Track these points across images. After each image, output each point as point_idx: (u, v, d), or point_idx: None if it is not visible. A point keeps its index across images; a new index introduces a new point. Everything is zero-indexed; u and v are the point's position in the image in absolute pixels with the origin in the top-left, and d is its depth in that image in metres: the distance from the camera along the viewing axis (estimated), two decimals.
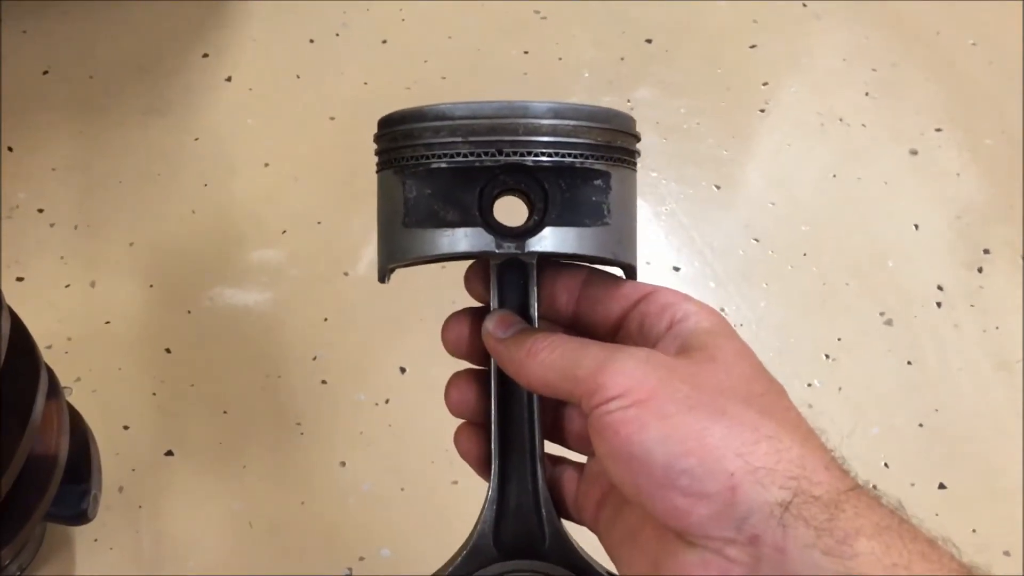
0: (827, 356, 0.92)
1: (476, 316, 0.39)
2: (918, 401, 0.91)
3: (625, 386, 0.31)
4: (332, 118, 1.04)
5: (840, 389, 0.91)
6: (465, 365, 0.41)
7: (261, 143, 1.01)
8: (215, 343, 0.89)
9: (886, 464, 0.87)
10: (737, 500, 0.30)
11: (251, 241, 0.95)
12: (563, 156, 0.35)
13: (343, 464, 0.84)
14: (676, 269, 0.97)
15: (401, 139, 0.36)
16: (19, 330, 0.62)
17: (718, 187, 1.03)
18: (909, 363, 0.93)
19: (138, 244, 0.94)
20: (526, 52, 1.10)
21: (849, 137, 1.07)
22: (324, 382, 0.87)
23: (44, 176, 0.97)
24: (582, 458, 0.40)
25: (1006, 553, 0.82)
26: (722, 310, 0.94)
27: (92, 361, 0.87)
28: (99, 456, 0.73)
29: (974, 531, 0.84)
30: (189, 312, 0.91)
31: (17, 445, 0.60)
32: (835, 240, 1.00)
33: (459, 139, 0.35)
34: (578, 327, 0.38)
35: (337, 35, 1.10)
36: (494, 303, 0.38)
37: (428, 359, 0.89)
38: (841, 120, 1.08)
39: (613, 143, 0.36)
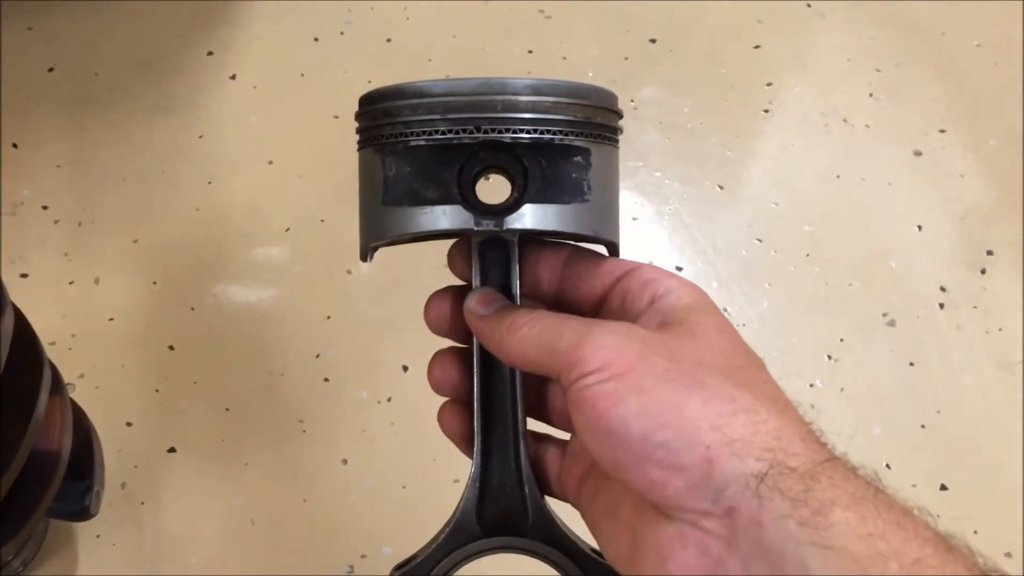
0: (829, 356, 0.92)
1: (458, 294, 0.39)
2: (920, 402, 0.91)
3: (603, 360, 0.31)
4: (336, 116, 1.04)
5: (842, 390, 0.91)
6: (449, 343, 0.41)
7: (265, 141, 1.02)
8: (218, 340, 0.89)
9: (888, 465, 0.87)
10: (713, 472, 0.30)
11: (254, 238, 0.95)
12: (542, 133, 0.35)
13: (345, 462, 0.84)
14: (679, 269, 0.97)
15: (380, 117, 0.36)
16: (22, 327, 0.63)
17: (721, 187, 1.03)
18: (911, 364, 0.92)
19: (142, 241, 0.94)
20: (530, 51, 1.10)
21: (853, 137, 1.07)
22: (327, 380, 0.88)
23: (48, 173, 0.98)
24: (566, 435, 0.40)
25: (1007, 555, 0.82)
26: (725, 310, 0.94)
27: (95, 358, 0.87)
28: (102, 452, 0.74)
29: (976, 532, 0.83)
30: (192, 309, 0.91)
31: (20, 441, 0.60)
32: (838, 240, 1.00)
33: (437, 116, 0.35)
34: (561, 304, 0.39)
35: (342, 33, 1.10)
36: (476, 281, 0.38)
37: (431, 357, 0.89)
38: (845, 120, 1.08)
39: (593, 119, 0.36)
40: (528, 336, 0.34)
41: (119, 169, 0.99)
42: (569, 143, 0.35)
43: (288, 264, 0.94)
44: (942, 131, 1.07)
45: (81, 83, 1.04)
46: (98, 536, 0.79)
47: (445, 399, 0.41)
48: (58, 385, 0.66)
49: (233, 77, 1.06)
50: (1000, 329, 0.94)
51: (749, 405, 0.31)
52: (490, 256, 0.38)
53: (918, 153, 1.06)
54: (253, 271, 0.93)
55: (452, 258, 0.40)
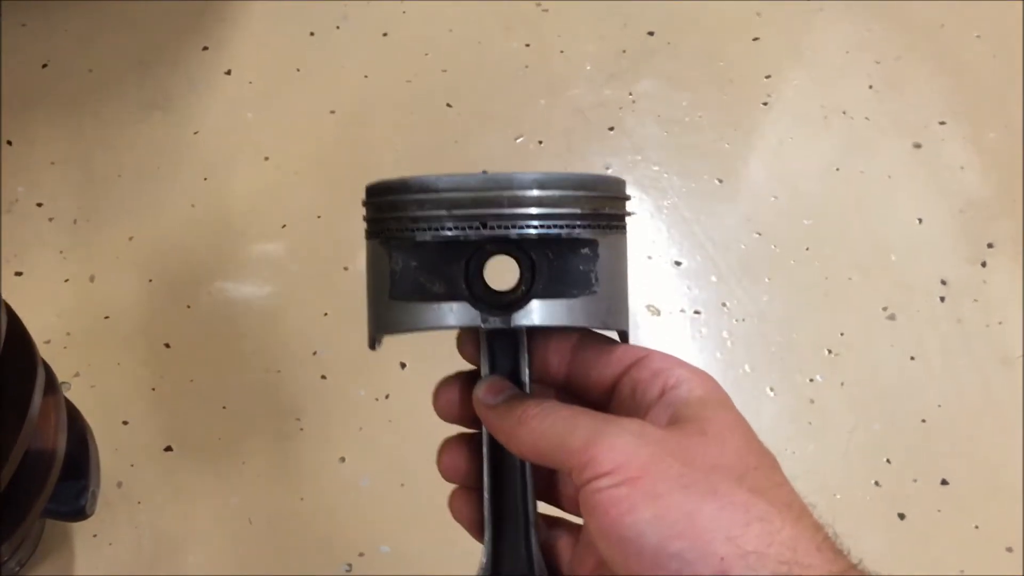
0: (829, 351, 0.92)
1: (467, 380, 0.39)
2: (920, 396, 0.90)
3: (616, 462, 0.31)
4: (332, 112, 1.03)
5: (842, 384, 0.90)
6: (457, 429, 0.40)
7: (261, 137, 1.01)
8: (214, 338, 0.89)
9: (888, 460, 0.86)
10: None
11: (251, 235, 0.95)
12: (548, 228, 0.34)
13: (343, 460, 0.83)
14: (677, 263, 0.96)
15: (386, 210, 0.36)
16: (15, 326, 0.62)
17: (720, 181, 1.02)
18: (912, 358, 0.92)
19: (137, 238, 0.94)
20: (527, 45, 1.09)
21: (852, 130, 1.06)
22: (324, 377, 0.87)
23: (43, 170, 0.97)
24: (579, 519, 0.39)
25: (1008, 549, 0.82)
26: (723, 305, 0.94)
27: (91, 356, 0.87)
28: (98, 452, 0.73)
29: (976, 527, 0.83)
30: (188, 307, 0.90)
31: (14, 441, 0.59)
32: (838, 234, 0.99)
33: (443, 212, 0.34)
34: (571, 390, 0.38)
35: (337, 28, 1.09)
36: (485, 369, 0.38)
37: (428, 354, 0.89)
38: (844, 113, 1.07)
39: (600, 211, 0.35)
40: (539, 430, 0.34)
41: (114, 166, 0.98)
42: (576, 236, 0.34)
43: (285, 261, 0.94)
44: (942, 123, 1.07)
45: (75, 79, 1.04)
46: (95, 535, 0.79)
47: (455, 486, 0.40)
48: (52, 384, 0.66)
49: (228, 73, 1.05)
50: (1000, 323, 0.94)
51: (763, 513, 0.31)
52: (499, 345, 0.37)
53: (918, 146, 1.05)
54: (249, 268, 0.93)
55: (461, 342, 0.39)
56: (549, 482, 0.40)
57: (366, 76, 1.06)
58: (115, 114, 1.01)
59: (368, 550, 0.80)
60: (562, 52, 1.09)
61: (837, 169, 1.03)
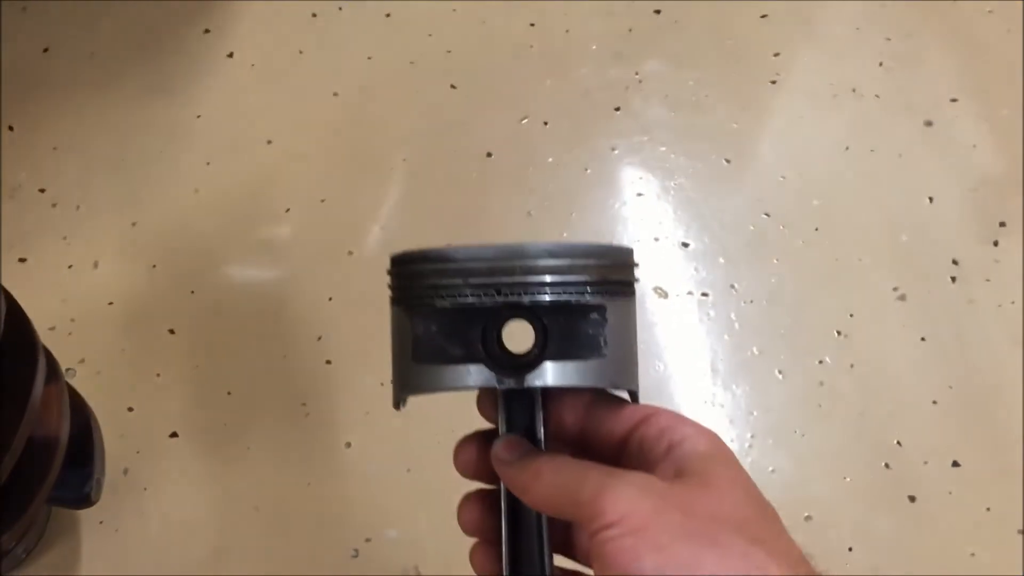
0: (839, 333, 0.91)
1: (484, 439, 0.41)
2: (932, 378, 0.89)
3: (622, 512, 0.33)
4: (335, 94, 1.02)
5: (852, 366, 0.89)
6: (477, 485, 0.42)
7: (264, 120, 1.00)
8: (219, 323, 0.88)
9: (899, 442, 0.86)
10: None
11: (254, 220, 0.94)
12: (559, 295, 0.37)
13: (348, 445, 0.83)
14: (685, 245, 0.95)
15: (409, 279, 0.39)
16: (16, 313, 0.62)
17: (728, 161, 1.01)
18: (923, 339, 0.91)
19: (141, 224, 0.93)
20: (532, 24, 1.08)
21: (862, 108, 1.05)
22: (329, 362, 0.87)
23: (45, 156, 0.97)
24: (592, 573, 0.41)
25: (1020, 531, 0.81)
26: (731, 287, 0.93)
27: (96, 343, 0.86)
28: (102, 439, 0.73)
29: (988, 509, 0.83)
30: (192, 292, 0.90)
31: (16, 429, 0.59)
32: (847, 214, 0.98)
33: (461, 281, 0.37)
34: (584, 445, 0.40)
35: (340, 9, 1.08)
36: (502, 427, 0.40)
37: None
38: (854, 91, 1.06)
39: (608, 278, 0.38)
40: (552, 483, 0.36)
41: (117, 151, 0.97)
42: (586, 302, 0.37)
43: (289, 246, 0.93)
44: (954, 100, 1.05)
45: (77, 64, 1.03)
46: (101, 522, 0.78)
47: (475, 540, 0.42)
48: (54, 372, 0.65)
49: (231, 55, 1.04)
50: (1013, 303, 0.92)
51: (762, 563, 0.32)
52: (515, 404, 0.40)
53: (929, 124, 1.04)
54: (253, 253, 0.92)
55: (480, 401, 0.42)
56: (565, 536, 0.41)
57: (369, 58, 1.05)
58: (117, 99, 1.01)
59: (375, 535, 0.79)
60: (567, 32, 1.08)
61: (847, 148, 1.02)
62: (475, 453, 0.41)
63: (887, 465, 0.85)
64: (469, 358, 0.37)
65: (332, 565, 0.78)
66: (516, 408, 0.40)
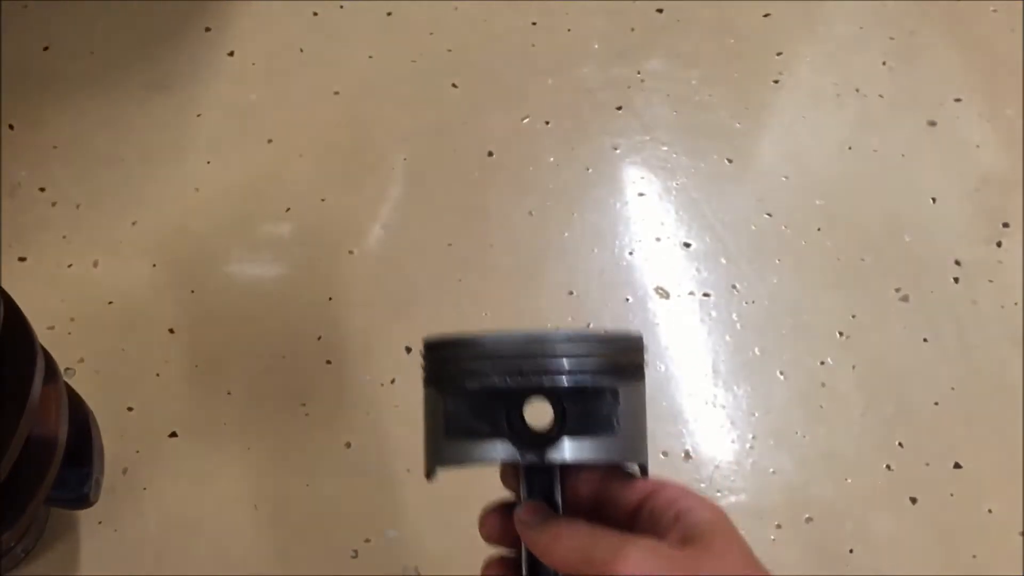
0: (841, 333, 0.90)
1: (506, 508, 0.45)
2: (934, 379, 0.89)
3: (633, 572, 0.37)
4: (336, 92, 1.02)
5: (854, 367, 0.89)
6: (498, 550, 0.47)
7: (264, 119, 1.00)
8: (219, 323, 0.88)
9: (900, 444, 0.85)
10: None
11: (255, 219, 0.94)
12: (576, 379, 0.41)
13: (348, 445, 0.83)
14: (687, 245, 0.95)
15: (442, 363, 0.43)
16: (14, 313, 0.61)
17: (730, 160, 1.01)
18: (925, 340, 0.91)
19: (141, 223, 0.93)
20: (534, 23, 1.08)
21: (865, 108, 1.04)
22: (329, 362, 0.86)
23: (45, 154, 0.96)
24: None
25: (1022, 534, 0.81)
26: (733, 287, 0.92)
27: (95, 342, 0.86)
28: (101, 439, 0.73)
29: (990, 511, 0.82)
30: (192, 292, 0.90)
31: (15, 429, 0.59)
32: (850, 214, 0.98)
33: (489, 365, 0.41)
34: (598, 514, 0.44)
35: (341, 7, 1.08)
36: (524, 494, 0.44)
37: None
38: (857, 90, 1.05)
39: (620, 363, 0.42)
40: (569, 545, 0.40)
41: (117, 149, 0.97)
42: (600, 385, 0.41)
43: (289, 245, 0.93)
44: (957, 100, 1.05)
45: (77, 62, 1.03)
46: (100, 522, 0.78)
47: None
48: (52, 372, 0.65)
49: (231, 54, 1.04)
50: (1016, 303, 0.92)
51: None
52: (536, 476, 0.44)
53: (933, 123, 1.03)
54: (253, 252, 0.92)
55: (503, 474, 0.46)
56: None
57: (370, 56, 1.05)
58: (117, 97, 1.01)
59: (374, 536, 0.79)
60: (569, 30, 1.08)
61: (850, 148, 1.02)
62: (498, 521, 0.45)
63: (889, 467, 0.84)
64: (495, 434, 0.41)
65: (332, 565, 0.78)
66: (537, 479, 0.44)
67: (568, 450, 0.41)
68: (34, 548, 0.76)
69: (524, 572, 0.44)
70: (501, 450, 0.41)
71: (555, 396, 0.41)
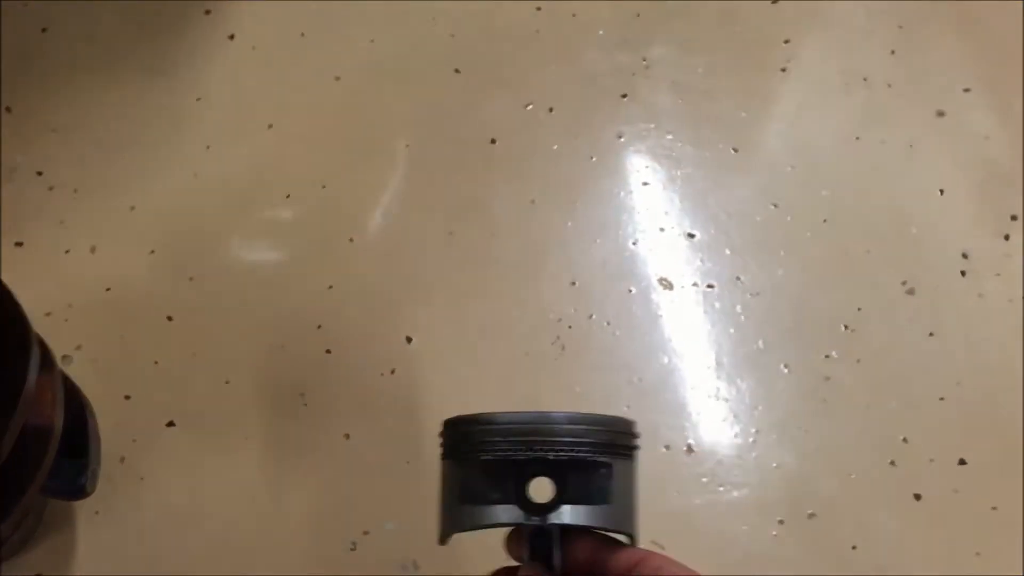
0: (845, 327, 0.90)
1: (511, 572, 0.51)
2: (939, 373, 0.88)
3: None
4: (337, 78, 1.01)
5: (858, 361, 0.88)
6: None
7: (265, 104, 0.99)
8: (217, 311, 0.87)
9: (904, 439, 0.84)
10: None
11: (254, 206, 0.93)
12: (575, 452, 0.47)
13: (347, 436, 0.82)
14: (691, 236, 0.94)
15: (459, 437, 0.49)
16: (7, 299, 0.60)
17: (735, 150, 0.99)
18: (931, 334, 0.90)
19: (139, 208, 0.92)
20: (538, 8, 1.06)
21: (873, 98, 1.03)
22: (328, 351, 0.86)
23: (43, 138, 0.95)
24: None
25: None
26: (737, 279, 0.91)
27: (93, 329, 0.85)
28: (97, 429, 0.72)
29: (994, 508, 0.82)
30: (191, 279, 0.89)
31: (10, 419, 0.58)
32: (856, 206, 0.96)
33: (500, 439, 0.47)
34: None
35: None
36: (526, 556, 0.50)
37: (435, 329, 0.87)
38: (865, 80, 1.04)
39: (615, 442, 0.48)
40: None
41: (115, 134, 0.96)
42: (596, 459, 0.47)
43: (289, 232, 0.92)
44: (966, 90, 1.03)
45: (76, 45, 1.01)
46: (97, 512, 0.78)
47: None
48: (48, 361, 0.64)
49: (231, 37, 1.03)
50: None
51: None
52: (538, 540, 0.49)
53: (941, 114, 1.02)
54: (253, 240, 0.91)
55: (509, 541, 0.51)
56: None
57: (372, 41, 1.03)
58: (116, 80, 0.99)
59: (373, 528, 0.78)
60: (574, 15, 1.06)
61: (857, 138, 1.00)
62: None
63: (893, 462, 0.84)
64: (504, 501, 0.47)
65: (329, 558, 0.77)
66: (538, 543, 0.50)
67: (566, 515, 0.48)
68: (31, 538, 0.76)
69: None
70: (509, 513, 0.48)
71: (557, 467, 0.47)
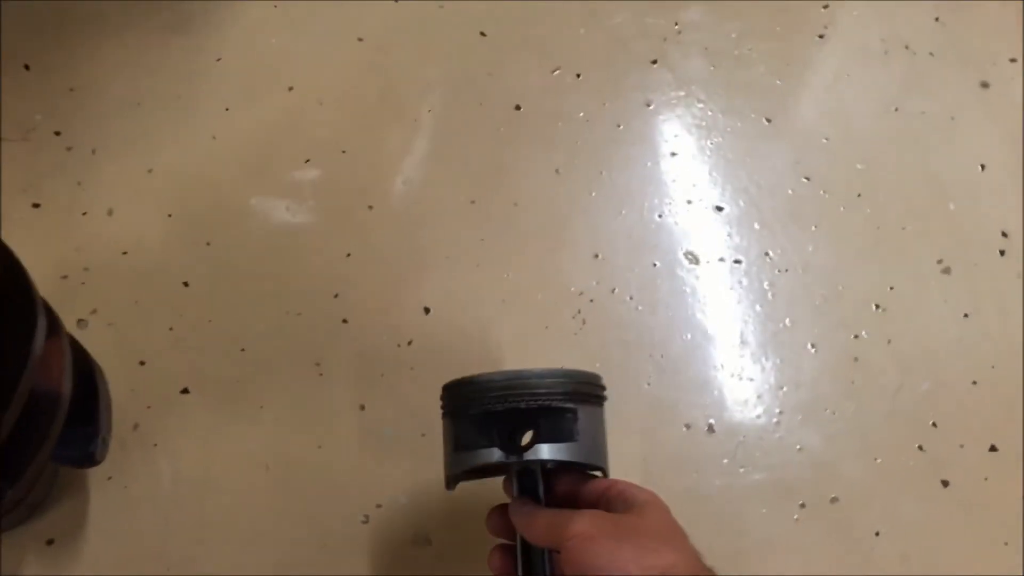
0: (877, 306, 0.87)
1: (503, 510, 0.62)
2: (973, 356, 0.85)
3: (578, 531, 0.52)
4: (360, 39, 0.98)
5: (889, 341, 0.85)
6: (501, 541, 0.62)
7: (285, 65, 0.97)
8: (234, 277, 0.86)
9: (934, 424, 0.82)
10: None
11: (273, 170, 0.91)
12: (543, 401, 0.57)
13: (363, 407, 0.81)
14: (719, 209, 0.91)
15: (452, 398, 0.61)
16: (14, 266, 0.59)
17: (769, 120, 0.96)
18: (966, 315, 0.87)
19: (156, 171, 0.90)
20: None
21: (914, 66, 0.99)
22: (345, 321, 0.84)
23: (62, 97, 0.94)
24: None
25: None
26: (766, 254, 0.89)
27: (109, 293, 0.84)
28: (109, 397, 0.71)
29: None
30: (208, 244, 0.87)
31: (17, 384, 0.57)
32: (893, 180, 0.93)
33: (483, 395, 0.58)
34: (571, 506, 0.58)
35: None
36: (515, 492, 0.60)
37: (453, 299, 0.85)
38: (907, 47, 1.00)
39: (579, 391, 0.58)
40: (541, 523, 0.56)
41: (134, 93, 0.94)
42: (562, 405, 0.57)
43: (307, 198, 0.90)
44: (1012, 60, 0.99)
45: (95, 3, 0.99)
46: (110, 478, 0.77)
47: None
48: (55, 327, 0.63)
49: None
50: None
51: (666, 554, 0.50)
52: (525, 478, 0.60)
53: (985, 84, 0.98)
54: (271, 205, 0.89)
55: (505, 483, 0.63)
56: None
57: (396, 1, 1.01)
58: (135, 39, 0.97)
59: (386, 501, 0.78)
60: None
61: (896, 109, 0.97)
62: (499, 519, 0.61)
63: (921, 447, 0.81)
64: (490, 444, 0.58)
65: (341, 530, 0.76)
66: (525, 481, 0.60)
67: (543, 452, 0.57)
68: (42, 503, 0.75)
69: (518, 552, 0.60)
70: (495, 455, 0.58)
71: (531, 415, 0.57)
